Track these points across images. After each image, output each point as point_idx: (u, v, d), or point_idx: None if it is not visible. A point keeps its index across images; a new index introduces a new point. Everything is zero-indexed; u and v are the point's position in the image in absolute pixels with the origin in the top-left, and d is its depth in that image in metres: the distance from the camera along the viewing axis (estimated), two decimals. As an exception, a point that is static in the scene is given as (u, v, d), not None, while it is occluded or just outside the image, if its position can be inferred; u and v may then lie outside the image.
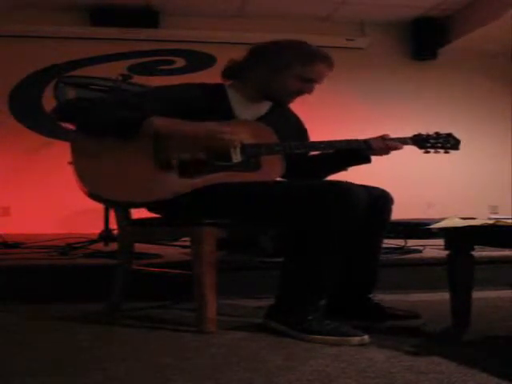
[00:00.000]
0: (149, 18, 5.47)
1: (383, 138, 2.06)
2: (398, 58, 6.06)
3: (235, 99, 2.08)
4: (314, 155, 2.18)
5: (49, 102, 5.30)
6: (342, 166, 2.15)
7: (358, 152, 2.07)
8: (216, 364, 1.50)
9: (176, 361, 1.53)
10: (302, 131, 2.24)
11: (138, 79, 4.09)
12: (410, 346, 1.66)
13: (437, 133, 2.14)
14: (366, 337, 1.70)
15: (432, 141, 2.12)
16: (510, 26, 5.16)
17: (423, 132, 2.13)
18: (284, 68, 2.01)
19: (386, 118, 5.61)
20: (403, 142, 2.09)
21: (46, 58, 5.50)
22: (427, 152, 2.13)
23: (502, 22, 5.13)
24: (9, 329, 1.94)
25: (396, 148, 2.06)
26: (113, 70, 4.34)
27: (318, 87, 2.09)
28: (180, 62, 5.74)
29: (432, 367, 1.45)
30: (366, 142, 2.05)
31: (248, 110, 2.09)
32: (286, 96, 2.07)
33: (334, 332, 1.71)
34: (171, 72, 5.66)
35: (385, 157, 2.12)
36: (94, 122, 1.93)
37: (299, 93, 2.06)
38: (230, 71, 2.12)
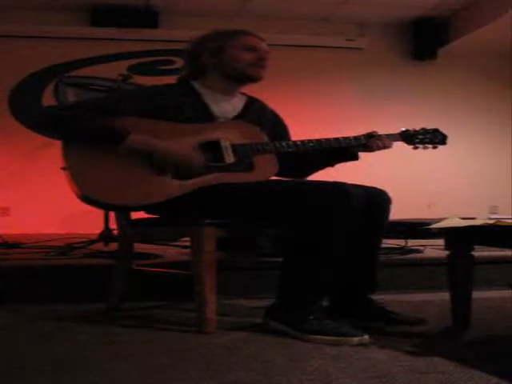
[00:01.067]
0: (149, 18, 5.47)
1: (372, 134, 2.07)
2: (397, 58, 6.06)
3: (207, 95, 2.09)
4: (302, 152, 2.18)
5: (49, 102, 5.30)
6: (329, 163, 2.17)
7: (347, 150, 2.08)
8: (216, 364, 1.50)
9: (176, 361, 1.53)
10: (279, 126, 2.24)
11: (137, 79, 4.09)
12: (410, 346, 1.66)
13: (423, 128, 2.16)
14: (366, 337, 1.70)
15: (420, 136, 2.14)
16: (509, 26, 5.17)
17: (410, 128, 2.14)
18: (224, 47, 2.07)
19: (386, 117, 5.59)
20: (392, 138, 2.10)
21: (46, 58, 5.50)
22: (416, 148, 2.15)
23: (502, 22, 5.13)
24: (9, 329, 1.94)
25: (387, 147, 2.07)
26: (113, 70, 4.35)
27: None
28: (180, 62, 5.72)
29: (432, 367, 1.45)
30: (356, 139, 2.06)
31: (223, 104, 2.10)
32: (247, 67, 2.07)
33: (334, 332, 1.71)
34: (171, 72, 5.65)
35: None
36: (73, 135, 1.93)
37: (257, 61, 2.07)
38: (189, 75, 2.15)
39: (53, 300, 2.32)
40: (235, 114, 2.12)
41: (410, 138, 2.14)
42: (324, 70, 5.70)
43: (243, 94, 2.21)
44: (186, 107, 2.04)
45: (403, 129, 2.13)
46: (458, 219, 1.87)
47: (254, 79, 2.10)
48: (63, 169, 1.90)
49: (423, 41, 5.90)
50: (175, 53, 5.74)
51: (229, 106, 2.12)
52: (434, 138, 2.16)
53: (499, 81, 6.12)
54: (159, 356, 1.58)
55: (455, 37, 5.74)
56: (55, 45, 5.47)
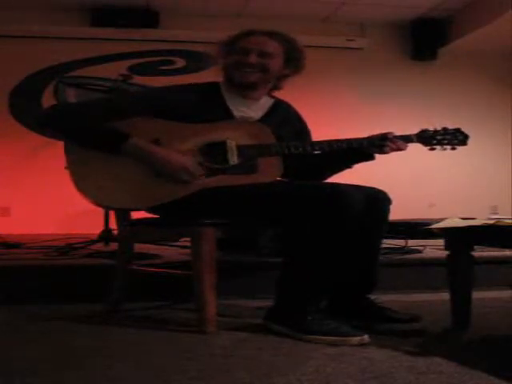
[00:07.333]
0: (149, 18, 5.47)
1: (386, 135, 2.00)
2: (397, 59, 6.06)
3: (229, 98, 2.07)
4: (317, 154, 2.14)
5: (49, 102, 5.29)
6: (346, 164, 2.12)
7: (361, 150, 2.03)
8: (216, 364, 1.50)
9: (176, 361, 1.53)
10: (302, 131, 2.21)
11: (137, 79, 4.08)
12: (410, 346, 1.66)
13: (444, 128, 2.06)
14: (365, 337, 1.70)
15: (439, 137, 2.04)
16: (510, 25, 5.16)
17: (430, 127, 2.04)
18: (229, 50, 2.05)
19: (386, 118, 5.60)
20: (408, 139, 2.02)
21: (46, 58, 5.49)
22: (433, 149, 2.05)
23: (502, 22, 5.13)
24: (9, 329, 1.94)
25: (401, 149, 2.01)
26: (113, 70, 4.34)
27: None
28: (180, 63, 5.74)
29: (432, 367, 1.45)
30: (369, 140, 2.01)
31: (242, 109, 2.07)
32: (233, 71, 2.03)
33: (333, 332, 1.71)
34: (171, 72, 5.65)
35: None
36: (76, 134, 1.92)
37: (238, 65, 2.02)
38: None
39: (53, 300, 2.32)
40: (257, 118, 2.09)
41: (428, 139, 2.04)
42: (324, 70, 5.69)
43: (272, 96, 2.17)
44: (205, 108, 2.01)
45: (422, 128, 2.04)
46: (458, 219, 1.87)
47: (237, 83, 2.05)
48: (66, 168, 1.91)
49: (423, 41, 5.90)
50: (175, 53, 5.74)
51: (249, 111, 2.08)
52: (454, 138, 2.05)
53: (499, 81, 6.12)
54: (159, 356, 1.58)
55: (455, 37, 5.74)
56: (55, 45, 5.46)
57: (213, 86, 2.10)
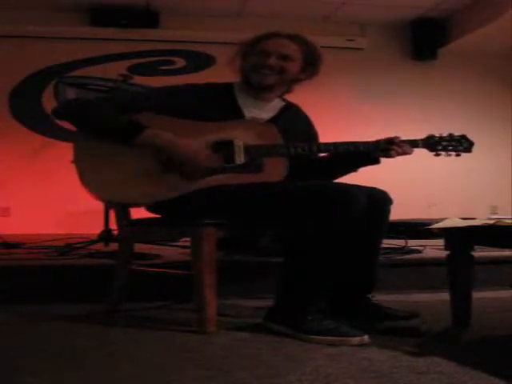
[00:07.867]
0: (149, 18, 5.46)
1: (392, 139, 2.00)
2: (397, 59, 6.06)
3: (241, 98, 2.08)
4: (322, 156, 2.16)
5: (49, 102, 5.30)
6: (352, 167, 2.12)
7: (367, 153, 2.03)
8: (216, 364, 1.50)
9: (176, 361, 1.53)
10: (310, 134, 2.21)
11: (138, 79, 4.08)
12: (410, 346, 1.66)
13: (450, 134, 2.07)
14: (365, 337, 1.70)
15: (444, 143, 2.05)
16: (509, 26, 5.16)
17: (436, 133, 2.06)
18: (248, 52, 2.06)
19: (386, 118, 5.60)
20: (414, 144, 2.03)
21: (46, 58, 5.49)
22: (438, 155, 2.06)
23: (502, 22, 5.13)
24: (9, 329, 1.94)
25: (407, 153, 2.01)
26: (113, 70, 4.34)
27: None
28: (180, 63, 5.74)
29: (432, 367, 1.45)
30: (375, 143, 2.01)
31: (255, 109, 2.07)
32: (250, 72, 2.04)
33: (333, 332, 1.71)
34: (171, 72, 5.65)
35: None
36: (92, 124, 1.94)
37: (257, 67, 2.03)
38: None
39: (53, 300, 2.32)
40: (267, 118, 2.09)
41: (434, 145, 2.04)
42: (324, 70, 5.68)
43: (284, 99, 2.18)
44: (214, 108, 2.01)
45: (428, 134, 2.05)
46: (458, 219, 1.87)
47: (255, 85, 2.06)
48: (72, 162, 1.93)
49: (423, 41, 5.89)
50: (175, 53, 5.74)
51: (260, 112, 2.08)
52: (459, 145, 2.07)
53: (499, 81, 6.12)
54: (159, 356, 1.58)
55: (455, 37, 5.74)
56: (55, 45, 5.46)
57: (226, 87, 2.11)
